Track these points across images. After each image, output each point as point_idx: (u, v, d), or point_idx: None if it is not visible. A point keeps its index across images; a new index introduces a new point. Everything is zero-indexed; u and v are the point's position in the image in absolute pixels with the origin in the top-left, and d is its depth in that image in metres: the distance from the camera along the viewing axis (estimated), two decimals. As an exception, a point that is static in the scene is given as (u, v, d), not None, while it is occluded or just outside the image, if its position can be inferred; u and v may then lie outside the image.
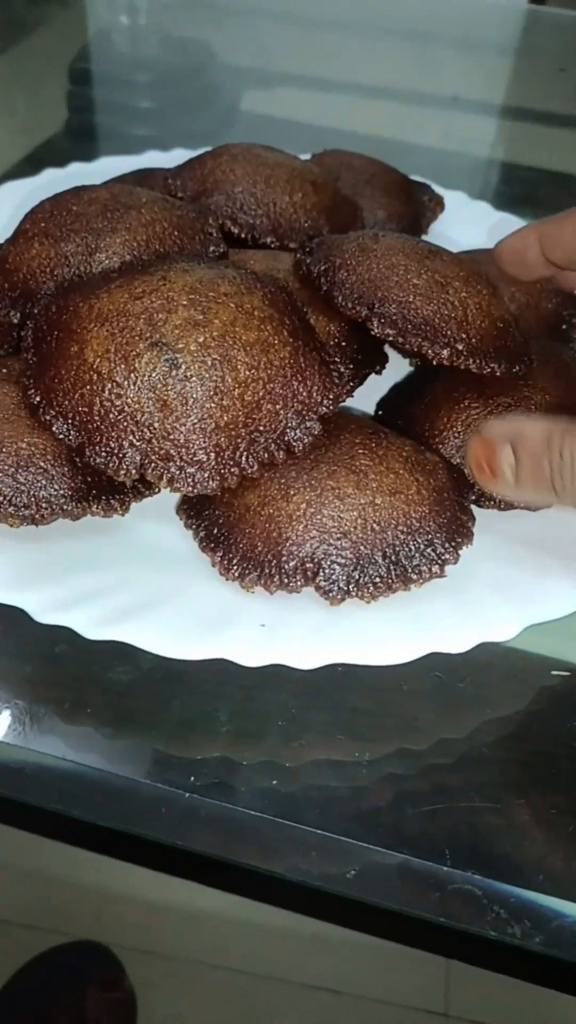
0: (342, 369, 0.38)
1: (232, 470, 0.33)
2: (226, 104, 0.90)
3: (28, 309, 0.37)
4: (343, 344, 0.38)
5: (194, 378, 0.32)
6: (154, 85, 0.91)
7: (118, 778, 0.31)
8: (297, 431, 0.34)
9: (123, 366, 0.32)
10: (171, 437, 0.32)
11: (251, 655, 0.32)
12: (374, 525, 0.33)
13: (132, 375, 0.32)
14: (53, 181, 0.55)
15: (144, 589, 0.33)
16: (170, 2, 1.09)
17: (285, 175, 0.45)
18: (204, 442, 0.32)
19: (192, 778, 0.31)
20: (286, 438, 0.33)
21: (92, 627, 0.32)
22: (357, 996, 0.72)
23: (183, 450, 0.32)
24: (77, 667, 0.34)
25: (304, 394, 0.34)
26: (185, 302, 0.33)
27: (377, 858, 0.30)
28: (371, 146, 0.57)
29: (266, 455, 0.33)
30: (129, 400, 0.32)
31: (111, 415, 0.32)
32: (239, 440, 0.33)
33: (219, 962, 0.73)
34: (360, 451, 0.35)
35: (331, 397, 0.34)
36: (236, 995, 0.72)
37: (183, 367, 0.32)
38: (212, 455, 0.33)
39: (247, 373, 0.33)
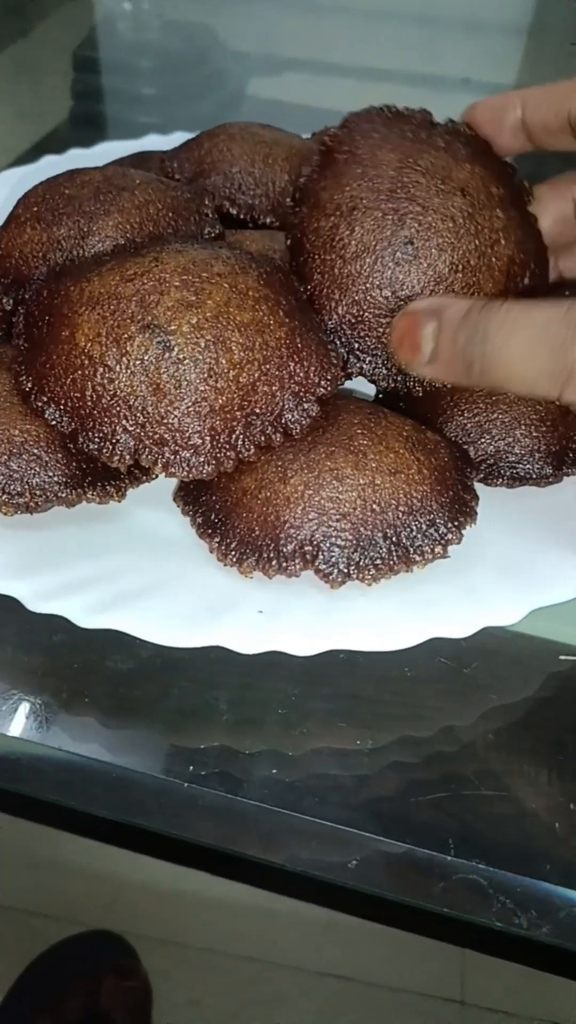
0: (341, 350, 0.37)
1: (228, 454, 0.32)
2: (232, 90, 0.89)
3: (20, 295, 0.37)
4: None
5: (187, 360, 0.32)
6: (159, 71, 0.90)
7: (117, 768, 0.31)
8: (295, 413, 0.33)
9: (115, 349, 0.32)
10: (165, 421, 0.32)
11: (248, 642, 0.31)
12: (374, 506, 0.33)
13: (124, 358, 0.32)
14: (51, 167, 0.54)
15: (140, 576, 0.33)
16: (173, -13, 1.08)
17: (283, 153, 0.45)
18: (199, 426, 0.32)
19: (191, 767, 0.30)
20: (283, 420, 0.33)
21: (85, 615, 0.31)
22: (370, 983, 0.72)
23: (177, 434, 0.32)
24: (75, 657, 0.33)
25: (301, 375, 0.33)
26: (177, 283, 0.32)
27: (379, 848, 0.29)
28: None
29: (263, 438, 0.32)
30: (122, 384, 0.32)
31: (103, 400, 0.32)
32: (235, 423, 0.32)
33: (232, 950, 0.73)
34: (359, 431, 0.34)
35: (329, 378, 0.34)
36: (249, 982, 0.72)
37: (176, 349, 0.32)
38: (207, 439, 0.32)
39: (242, 354, 0.32)
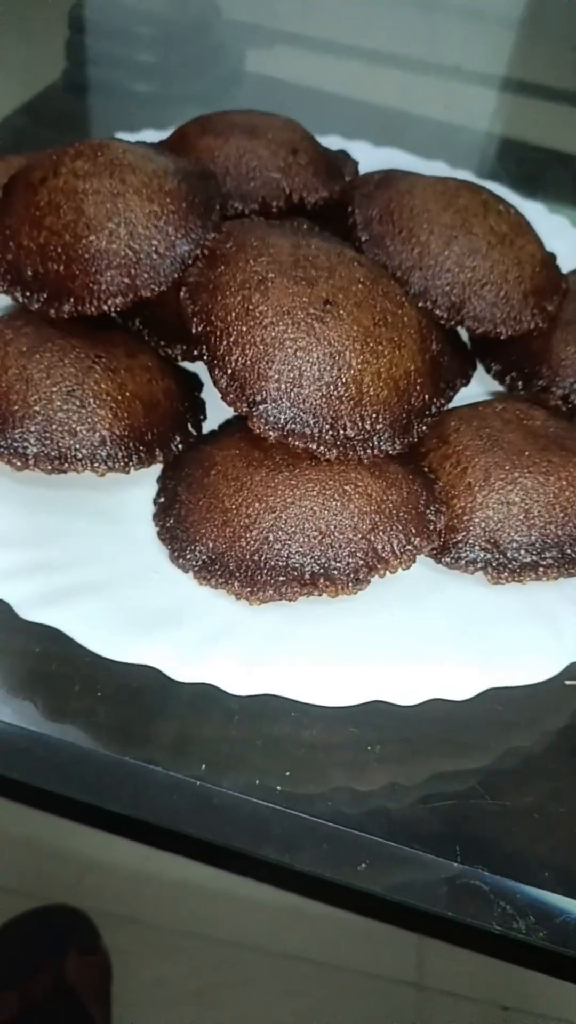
0: (442, 385, 0.39)
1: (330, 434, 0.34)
2: (230, 63, 0.87)
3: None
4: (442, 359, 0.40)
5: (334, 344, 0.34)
6: (156, 40, 0.87)
7: (125, 763, 0.30)
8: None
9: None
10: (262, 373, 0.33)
11: (182, 669, 0.30)
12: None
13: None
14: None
15: (101, 574, 0.32)
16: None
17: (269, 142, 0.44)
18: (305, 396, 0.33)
19: (204, 766, 0.30)
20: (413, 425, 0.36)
21: (28, 606, 0.30)
22: (333, 967, 0.73)
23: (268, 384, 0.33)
24: (65, 669, 0.32)
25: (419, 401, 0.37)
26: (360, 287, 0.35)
27: (385, 852, 0.30)
28: (372, 115, 0.55)
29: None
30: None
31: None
32: (338, 414, 0.34)
33: (197, 931, 0.74)
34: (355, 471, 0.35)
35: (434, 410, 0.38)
36: (213, 964, 0.72)
37: (331, 323, 0.34)
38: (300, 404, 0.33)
39: (366, 364, 0.34)
